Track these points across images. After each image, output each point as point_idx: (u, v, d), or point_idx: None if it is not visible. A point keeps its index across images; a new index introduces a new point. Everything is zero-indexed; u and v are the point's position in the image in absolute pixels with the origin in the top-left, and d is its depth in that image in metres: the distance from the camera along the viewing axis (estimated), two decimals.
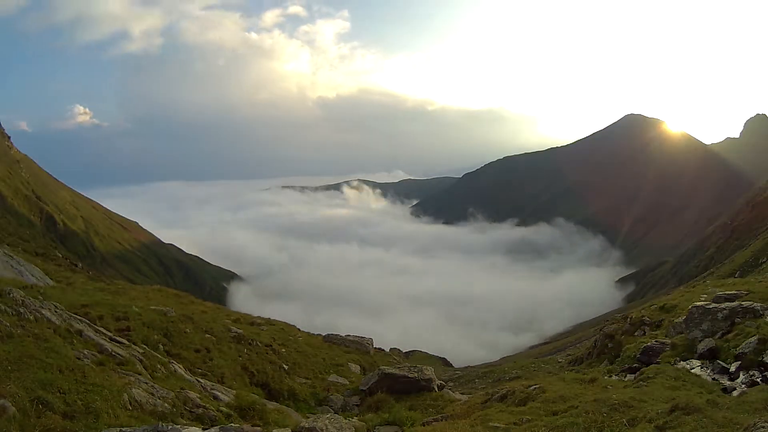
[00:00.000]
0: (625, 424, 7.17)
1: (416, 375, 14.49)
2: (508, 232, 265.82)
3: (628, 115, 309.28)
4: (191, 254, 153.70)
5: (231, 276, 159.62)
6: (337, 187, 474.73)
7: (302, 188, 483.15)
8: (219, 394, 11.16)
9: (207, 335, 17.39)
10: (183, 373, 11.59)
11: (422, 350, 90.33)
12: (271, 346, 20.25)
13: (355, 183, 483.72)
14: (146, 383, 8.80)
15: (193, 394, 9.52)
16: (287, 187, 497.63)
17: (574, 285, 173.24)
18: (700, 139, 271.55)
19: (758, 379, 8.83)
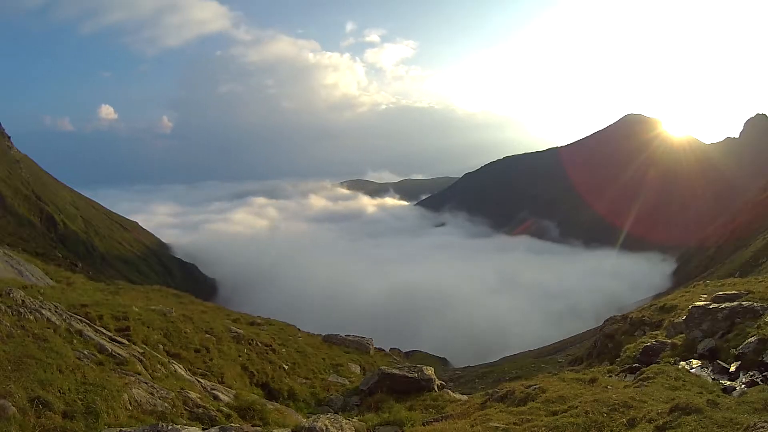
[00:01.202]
0: (625, 425, 7.18)
1: (416, 375, 14.47)
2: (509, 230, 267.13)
3: (628, 115, 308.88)
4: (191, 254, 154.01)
5: None
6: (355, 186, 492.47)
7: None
8: (219, 394, 11.15)
9: (207, 335, 17.38)
10: (183, 373, 11.58)
11: (422, 350, 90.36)
12: (270, 345, 20.25)
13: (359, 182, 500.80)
14: (146, 383, 8.80)
15: (193, 394, 9.52)
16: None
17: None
18: (700, 139, 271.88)
19: (758, 379, 8.82)
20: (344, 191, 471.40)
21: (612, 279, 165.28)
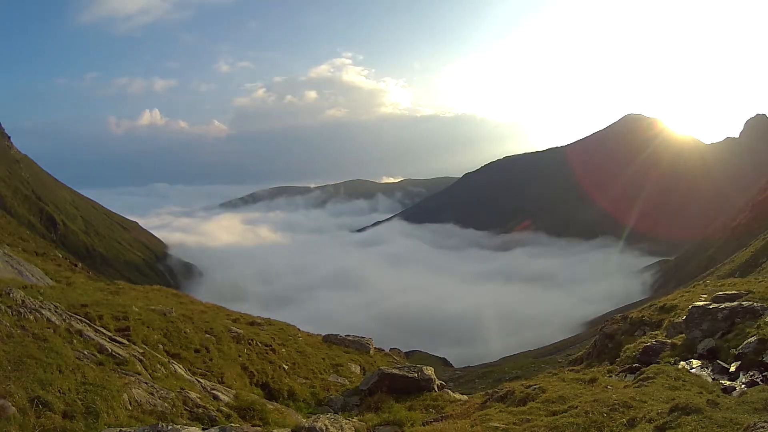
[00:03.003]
0: (625, 425, 7.17)
1: (416, 375, 14.47)
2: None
3: (628, 115, 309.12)
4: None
5: None
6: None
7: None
8: (219, 394, 11.15)
9: (207, 335, 17.37)
10: (183, 373, 11.58)
11: (422, 350, 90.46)
12: (270, 345, 20.23)
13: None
14: (146, 383, 8.80)
15: (192, 394, 9.52)
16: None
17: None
18: (700, 139, 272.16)
19: (758, 379, 8.82)
20: (342, 191, 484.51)
21: (611, 279, 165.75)
